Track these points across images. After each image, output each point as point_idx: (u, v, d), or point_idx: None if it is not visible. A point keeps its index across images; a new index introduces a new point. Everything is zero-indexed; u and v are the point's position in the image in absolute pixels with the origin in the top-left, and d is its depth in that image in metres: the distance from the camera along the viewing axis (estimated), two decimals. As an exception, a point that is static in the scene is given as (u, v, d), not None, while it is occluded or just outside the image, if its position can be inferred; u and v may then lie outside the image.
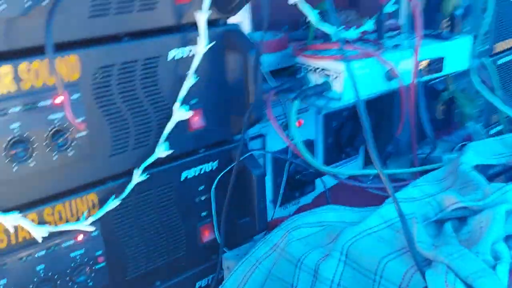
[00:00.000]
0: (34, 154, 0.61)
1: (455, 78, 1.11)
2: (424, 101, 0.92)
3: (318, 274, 0.63)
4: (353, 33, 0.89)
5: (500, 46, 1.29)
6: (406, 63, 0.88)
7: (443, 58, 0.93)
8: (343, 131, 1.12)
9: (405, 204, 0.67)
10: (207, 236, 0.82)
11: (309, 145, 1.07)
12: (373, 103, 0.99)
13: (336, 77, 0.80)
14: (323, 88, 0.81)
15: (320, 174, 0.94)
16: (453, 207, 0.61)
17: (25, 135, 0.60)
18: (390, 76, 0.84)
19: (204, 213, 0.81)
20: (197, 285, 0.84)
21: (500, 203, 0.58)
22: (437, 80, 1.12)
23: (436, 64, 0.92)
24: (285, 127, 1.00)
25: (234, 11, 0.73)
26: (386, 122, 1.06)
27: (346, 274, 0.61)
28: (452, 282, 0.50)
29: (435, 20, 1.05)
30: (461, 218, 0.62)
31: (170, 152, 0.71)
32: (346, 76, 0.79)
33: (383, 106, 1.08)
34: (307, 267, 0.65)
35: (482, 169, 0.74)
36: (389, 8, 0.92)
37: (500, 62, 1.30)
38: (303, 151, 0.83)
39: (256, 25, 0.89)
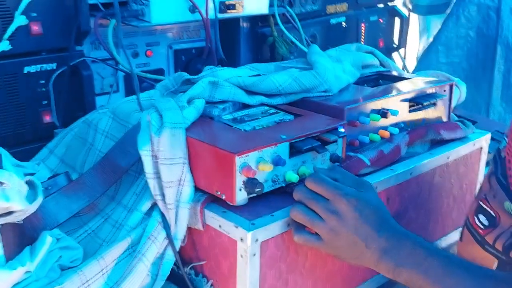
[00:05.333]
0: None
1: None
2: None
3: (97, 127, 0.93)
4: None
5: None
6: None
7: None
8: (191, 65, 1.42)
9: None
10: (47, 119, 1.11)
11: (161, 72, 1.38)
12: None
13: (147, 5, 1.10)
14: (138, 13, 1.10)
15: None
16: (182, 80, 0.91)
17: None
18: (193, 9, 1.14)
19: (45, 102, 1.10)
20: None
21: (208, 76, 0.88)
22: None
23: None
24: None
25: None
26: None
27: (112, 124, 0.91)
28: (151, 113, 0.79)
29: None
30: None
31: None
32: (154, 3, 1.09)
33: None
34: (96, 126, 0.95)
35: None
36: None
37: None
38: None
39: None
